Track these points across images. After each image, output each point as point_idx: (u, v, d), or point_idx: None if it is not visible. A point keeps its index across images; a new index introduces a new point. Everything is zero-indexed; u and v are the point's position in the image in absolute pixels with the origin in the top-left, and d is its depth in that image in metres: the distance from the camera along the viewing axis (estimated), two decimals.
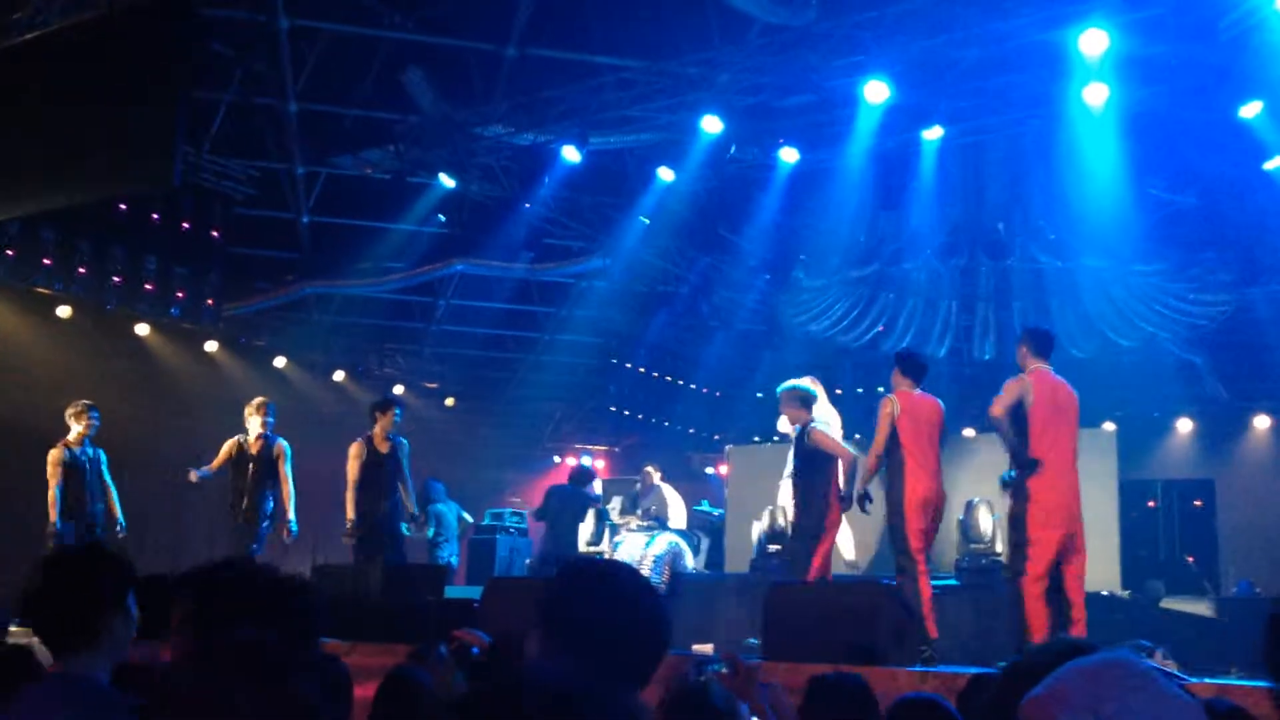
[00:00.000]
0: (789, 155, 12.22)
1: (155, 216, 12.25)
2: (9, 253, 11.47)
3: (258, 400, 9.52)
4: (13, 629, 5.58)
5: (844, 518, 7.99)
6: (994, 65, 10.13)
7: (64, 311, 12.56)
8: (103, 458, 9.25)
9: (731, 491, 13.35)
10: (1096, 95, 10.04)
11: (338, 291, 14.86)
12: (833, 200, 13.10)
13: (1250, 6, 9.05)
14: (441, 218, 13.92)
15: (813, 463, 7.65)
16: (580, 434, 18.69)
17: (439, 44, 12.20)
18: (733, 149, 12.46)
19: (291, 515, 9.16)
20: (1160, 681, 1.27)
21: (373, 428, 9.26)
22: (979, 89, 10.65)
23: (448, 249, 14.45)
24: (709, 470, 17.67)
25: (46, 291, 12.02)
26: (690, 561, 11.05)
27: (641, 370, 17.53)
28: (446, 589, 9.12)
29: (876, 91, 10.29)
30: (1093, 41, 9.30)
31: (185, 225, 12.50)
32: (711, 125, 11.26)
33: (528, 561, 12.96)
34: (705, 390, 17.65)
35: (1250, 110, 10.31)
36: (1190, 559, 11.65)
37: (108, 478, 9.24)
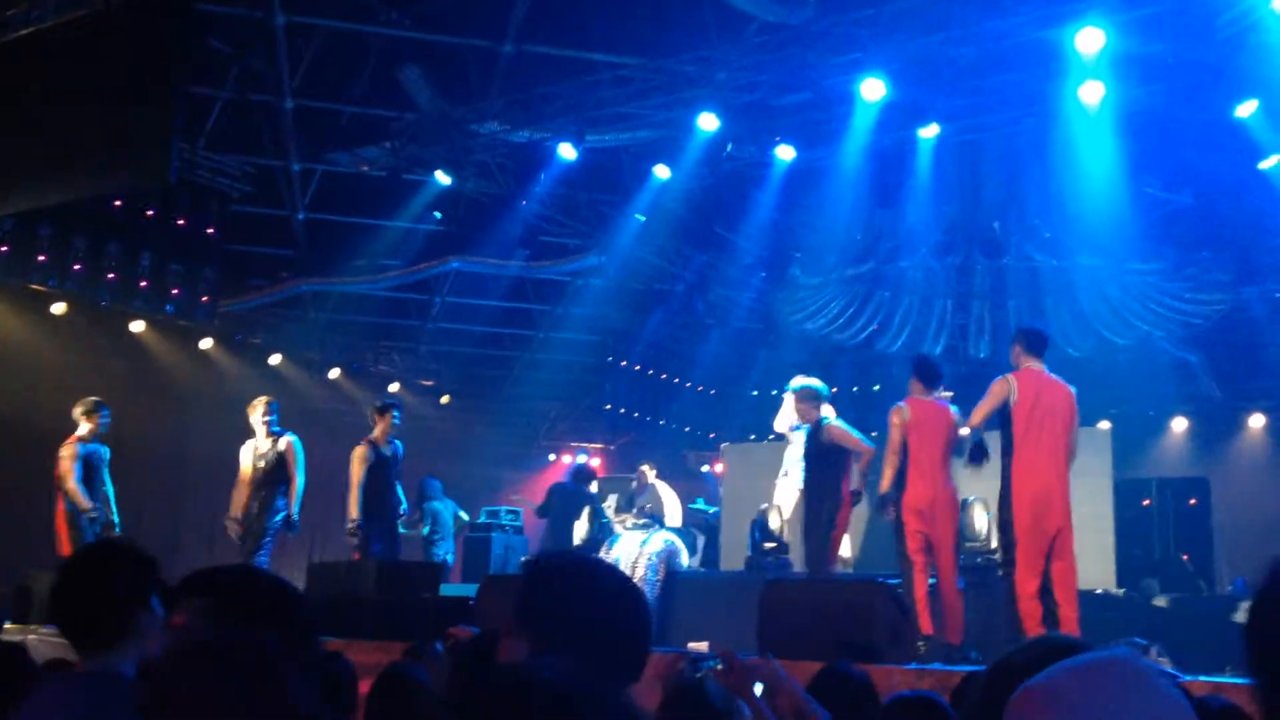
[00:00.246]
0: (785, 153, 12.21)
1: (150, 213, 12.18)
2: (4, 249, 11.42)
3: (257, 400, 9.52)
4: (7, 625, 5.58)
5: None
6: (991, 64, 10.14)
7: (59, 308, 12.50)
8: (106, 455, 9.26)
9: (727, 490, 13.31)
10: (1093, 94, 10.03)
11: (333, 289, 14.81)
12: (829, 198, 13.07)
13: (1247, 6, 9.05)
14: (437, 215, 13.88)
15: (825, 459, 7.68)
16: (576, 432, 18.68)
17: (435, 41, 12.19)
18: (729, 146, 12.43)
19: (295, 510, 9.20)
20: (1155, 680, 1.26)
21: (373, 430, 9.33)
22: (976, 87, 10.65)
23: (444, 246, 14.40)
24: (705, 468, 17.63)
25: (41, 288, 11.98)
26: (686, 560, 11.05)
27: (637, 368, 17.51)
28: (442, 586, 9.19)
29: (873, 89, 10.27)
30: (1089, 40, 9.30)
31: (180, 222, 12.43)
32: (708, 123, 11.23)
33: (523, 559, 12.96)
34: (701, 388, 17.64)
35: (1246, 110, 10.31)
36: (1185, 557, 11.65)
37: (106, 475, 9.23)
